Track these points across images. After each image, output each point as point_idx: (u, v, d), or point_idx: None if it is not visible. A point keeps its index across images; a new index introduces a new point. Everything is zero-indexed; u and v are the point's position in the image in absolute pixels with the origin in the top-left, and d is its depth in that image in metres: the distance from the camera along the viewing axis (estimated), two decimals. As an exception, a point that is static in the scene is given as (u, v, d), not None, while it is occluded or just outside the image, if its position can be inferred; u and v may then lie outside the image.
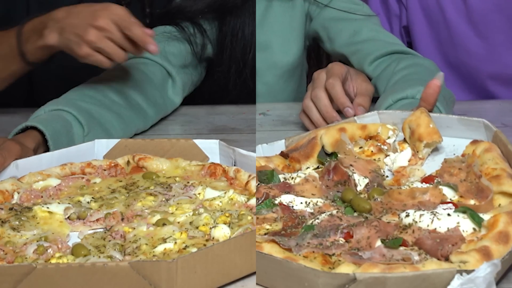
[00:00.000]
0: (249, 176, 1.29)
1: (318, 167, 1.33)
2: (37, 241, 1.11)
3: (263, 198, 1.20)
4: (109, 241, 1.12)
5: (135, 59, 1.71)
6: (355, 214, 1.18)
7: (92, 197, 1.25)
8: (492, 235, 1.04)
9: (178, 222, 1.16)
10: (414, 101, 1.55)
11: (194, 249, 1.06)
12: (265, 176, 1.29)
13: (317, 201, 1.21)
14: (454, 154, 1.34)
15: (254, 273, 1.06)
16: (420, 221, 1.11)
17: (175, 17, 1.81)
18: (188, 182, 1.30)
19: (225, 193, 1.24)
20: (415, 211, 1.13)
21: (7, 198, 1.24)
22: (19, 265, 1.01)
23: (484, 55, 1.93)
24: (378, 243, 1.07)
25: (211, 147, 1.43)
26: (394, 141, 1.38)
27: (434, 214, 1.11)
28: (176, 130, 1.72)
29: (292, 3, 1.91)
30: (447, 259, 1.02)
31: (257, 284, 1.05)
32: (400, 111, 1.42)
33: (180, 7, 1.81)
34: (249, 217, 1.15)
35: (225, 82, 1.88)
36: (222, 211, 1.19)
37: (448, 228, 1.09)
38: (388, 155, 1.36)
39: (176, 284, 0.98)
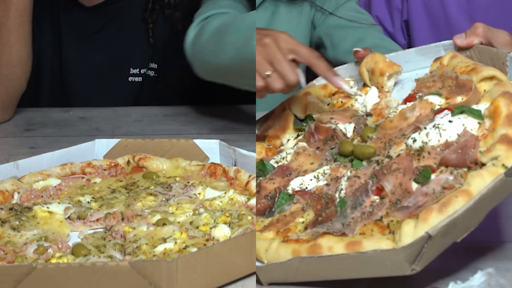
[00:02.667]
0: (250, 176, 1.29)
1: (298, 136, 1.32)
2: (37, 241, 1.11)
3: (277, 195, 1.18)
4: (109, 241, 1.12)
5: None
6: (364, 163, 1.17)
7: (92, 197, 1.25)
8: (502, 121, 1.04)
9: (178, 222, 1.16)
10: None
11: (194, 249, 1.06)
12: (257, 169, 1.26)
13: (323, 170, 1.19)
14: (415, 79, 1.34)
15: (254, 273, 1.06)
16: (429, 140, 1.11)
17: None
18: (188, 182, 1.30)
19: (225, 193, 1.24)
20: (419, 133, 1.12)
21: (7, 198, 1.24)
22: (19, 265, 1.01)
23: None
24: (414, 185, 1.06)
25: (211, 147, 1.43)
26: (356, 89, 1.38)
27: (438, 127, 1.11)
28: (176, 130, 1.72)
29: (299, 9, 1.91)
30: (476, 163, 1.03)
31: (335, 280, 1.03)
32: (351, 63, 1.42)
33: None
34: (249, 217, 1.15)
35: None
36: (222, 211, 1.19)
37: (457, 134, 1.09)
38: (356, 100, 1.35)
39: (176, 284, 0.98)
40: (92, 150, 1.43)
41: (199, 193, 1.26)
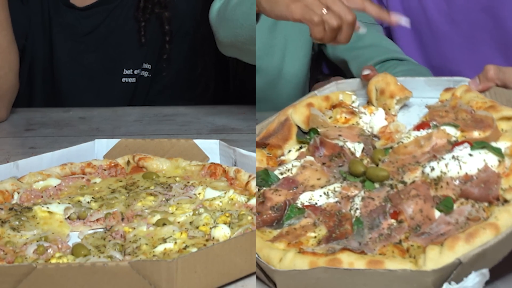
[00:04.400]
0: (250, 176, 1.29)
1: (300, 148, 1.30)
2: (37, 241, 1.11)
3: (286, 207, 1.15)
4: (109, 241, 1.12)
5: None
6: (376, 185, 1.16)
7: (92, 197, 1.25)
8: None
9: (178, 222, 1.16)
10: None
11: (194, 249, 1.06)
12: (260, 178, 1.24)
13: (333, 187, 1.18)
14: (426, 104, 1.34)
15: (254, 273, 1.06)
16: (448, 171, 1.11)
17: None
18: (188, 182, 1.30)
19: (225, 193, 1.24)
20: (438, 163, 1.13)
21: (7, 198, 1.24)
22: (19, 265, 1.01)
23: (467, 56, 1.92)
24: (437, 213, 1.06)
25: (211, 147, 1.43)
26: (358, 105, 1.38)
27: (457, 159, 1.11)
28: (176, 130, 1.72)
29: None
30: (498, 199, 1.04)
31: None
32: (356, 79, 1.42)
33: None
34: (249, 217, 1.15)
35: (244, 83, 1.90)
36: (222, 211, 1.19)
37: (478, 168, 1.09)
38: (361, 117, 1.35)
39: (176, 284, 0.98)
40: (92, 150, 1.43)
41: (199, 193, 1.26)
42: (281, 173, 1.24)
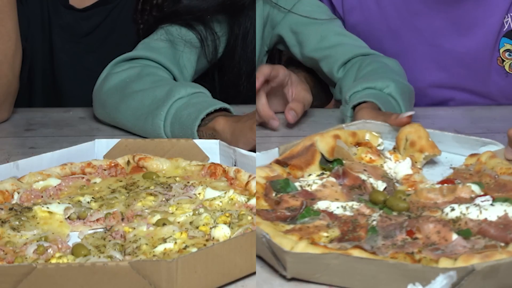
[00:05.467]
0: (250, 176, 1.29)
1: (322, 174, 1.31)
2: (37, 241, 1.11)
3: (303, 207, 1.16)
4: (109, 241, 1.12)
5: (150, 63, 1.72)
6: (394, 213, 1.16)
7: (92, 197, 1.25)
8: None
9: (178, 222, 1.16)
10: (381, 93, 1.61)
11: (194, 249, 1.06)
12: (279, 185, 1.24)
13: (352, 204, 1.18)
14: (450, 165, 1.36)
15: (254, 273, 1.06)
16: (468, 213, 1.12)
17: (184, 16, 1.81)
18: (188, 182, 1.30)
19: (225, 193, 1.24)
20: (459, 205, 1.14)
21: (7, 198, 1.24)
22: (19, 265, 1.01)
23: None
24: (454, 236, 1.06)
25: (211, 147, 1.43)
26: (383, 149, 1.40)
27: (478, 205, 1.12)
28: (176, 130, 1.72)
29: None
30: None
31: None
32: (386, 124, 1.44)
33: (189, 6, 1.81)
34: (249, 217, 1.15)
35: (236, 83, 1.89)
36: (222, 211, 1.19)
37: (497, 216, 1.10)
38: (386, 162, 1.35)
39: (176, 284, 0.98)
40: (92, 150, 1.43)
41: (199, 193, 1.26)
42: (301, 186, 1.25)
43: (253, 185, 1.26)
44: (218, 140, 1.43)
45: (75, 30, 1.92)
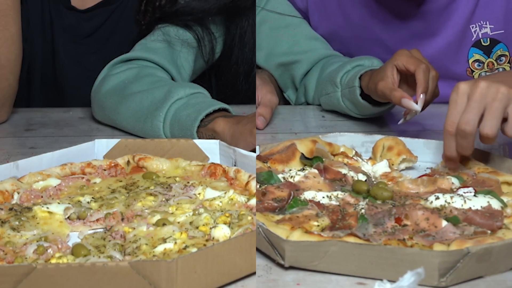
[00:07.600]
0: (249, 176, 1.29)
1: (302, 169, 1.32)
2: (37, 241, 1.11)
3: (290, 198, 1.18)
4: (109, 241, 1.12)
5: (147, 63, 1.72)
6: (378, 202, 1.18)
7: (92, 197, 1.25)
8: None
9: (178, 222, 1.16)
10: (371, 68, 1.63)
11: (194, 249, 1.06)
12: (263, 177, 1.27)
13: (337, 194, 1.21)
14: (426, 167, 1.38)
15: (254, 273, 1.06)
16: (452, 202, 1.14)
17: (184, 17, 1.81)
18: (188, 182, 1.30)
19: (225, 193, 1.24)
20: (443, 194, 1.16)
21: (7, 198, 1.24)
22: (19, 265, 1.01)
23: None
24: (444, 223, 1.08)
25: (211, 147, 1.43)
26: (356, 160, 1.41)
27: (462, 196, 1.15)
28: (176, 130, 1.72)
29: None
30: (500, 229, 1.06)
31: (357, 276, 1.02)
32: (358, 134, 1.47)
33: (190, 7, 1.80)
34: (249, 217, 1.15)
35: (234, 83, 1.89)
36: (222, 211, 1.19)
37: (481, 206, 1.12)
38: (363, 166, 1.37)
39: (176, 284, 0.98)
40: (92, 150, 1.43)
41: (199, 193, 1.26)
42: (284, 178, 1.28)
43: (253, 185, 1.26)
44: (218, 140, 1.43)
45: (76, 31, 1.92)
